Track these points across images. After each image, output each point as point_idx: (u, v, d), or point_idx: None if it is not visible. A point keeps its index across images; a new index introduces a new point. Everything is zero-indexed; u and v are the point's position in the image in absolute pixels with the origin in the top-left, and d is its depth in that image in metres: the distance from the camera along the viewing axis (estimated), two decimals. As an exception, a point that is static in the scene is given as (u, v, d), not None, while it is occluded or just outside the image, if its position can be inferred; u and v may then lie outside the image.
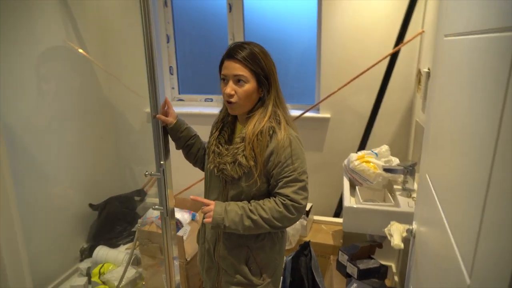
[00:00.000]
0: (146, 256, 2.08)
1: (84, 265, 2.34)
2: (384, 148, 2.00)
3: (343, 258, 1.86)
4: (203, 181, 1.43)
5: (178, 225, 2.04)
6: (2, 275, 1.16)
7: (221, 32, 2.53)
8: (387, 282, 1.83)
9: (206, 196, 1.35)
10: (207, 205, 1.21)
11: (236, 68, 1.16)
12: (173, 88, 2.74)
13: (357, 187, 1.91)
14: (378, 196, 1.91)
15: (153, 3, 1.23)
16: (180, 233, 1.97)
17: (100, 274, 2.17)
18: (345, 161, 2.04)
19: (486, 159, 0.52)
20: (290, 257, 1.79)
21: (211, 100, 2.66)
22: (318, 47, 2.30)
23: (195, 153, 1.44)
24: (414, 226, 1.10)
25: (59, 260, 2.33)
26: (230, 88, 1.17)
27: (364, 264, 1.77)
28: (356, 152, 2.04)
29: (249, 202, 1.21)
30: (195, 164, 1.50)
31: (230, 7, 2.45)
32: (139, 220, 2.06)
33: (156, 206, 1.48)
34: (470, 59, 0.67)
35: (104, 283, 2.14)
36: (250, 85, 1.17)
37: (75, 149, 2.40)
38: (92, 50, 2.48)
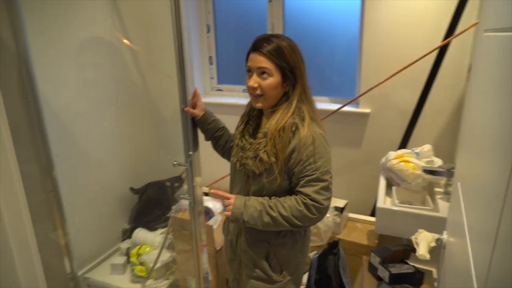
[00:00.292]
0: (179, 241, 2.15)
1: (125, 245, 2.46)
2: (427, 147, 1.89)
3: (375, 260, 1.79)
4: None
5: (210, 214, 2.08)
6: (13, 273, 1.23)
7: (261, 22, 2.50)
8: (424, 288, 1.74)
9: (231, 189, 1.35)
10: (227, 198, 1.21)
11: (260, 60, 1.14)
12: (212, 78, 2.77)
13: (393, 187, 1.82)
14: (417, 198, 1.80)
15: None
16: (210, 222, 2.01)
17: (138, 255, 2.28)
18: (383, 159, 1.95)
19: (505, 168, 0.46)
20: (317, 254, 1.75)
21: (250, 91, 2.65)
22: (360, 39, 2.19)
23: (222, 144, 1.45)
24: (445, 236, 1.02)
25: (103, 239, 2.48)
26: (254, 80, 1.16)
27: (396, 269, 1.69)
28: (396, 151, 1.94)
29: (270, 198, 1.19)
30: (223, 156, 1.51)
31: (271, -3, 2.40)
32: (173, 207, 2.12)
33: (186, 195, 1.52)
34: (504, 58, 0.59)
35: (141, 263, 2.25)
36: (274, 79, 1.14)
37: (117, 135, 2.51)
38: (135, 40, 2.56)
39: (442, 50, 1.96)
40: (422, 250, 0.97)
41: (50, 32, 1.99)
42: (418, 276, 1.70)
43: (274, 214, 1.14)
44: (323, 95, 2.48)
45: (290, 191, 1.21)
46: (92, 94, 2.31)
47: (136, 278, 2.20)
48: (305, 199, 1.13)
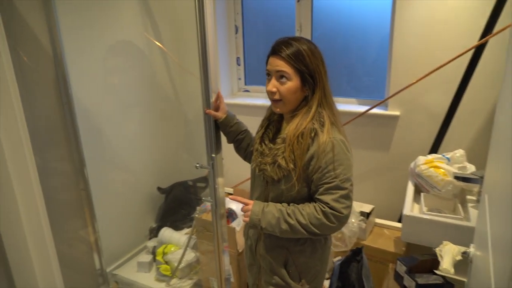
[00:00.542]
0: (203, 242, 2.17)
1: (152, 243, 2.52)
2: (459, 153, 1.79)
3: (401, 268, 1.72)
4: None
5: (233, 215, 2.09)
6: (31, 273, 1.27)
7: (289, 23, 2.48)
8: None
9: (251, 194, 1.35)
10: (246, 204, 1.20)
11: (278, 64, 1.12)
12: (239, 78, 2.77)
13: (422, 194, 1.75)
14: (447, 206, 1.72)
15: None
16: (234, 224, 2.02)
17: (163, 254, 2.33)
18: (412, 164, 1.88)
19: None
20: (340, 261, 1.71)
21: (277, 92, 2.64)
22: (390, 38, 2.12)
23: (244, 148, 1.45)
24: (472, 249, 0.96)
25: (131, 237, 2.55)
26: (272, 85, 1.14)
27: (423, 279, 1.62)
28: (426, 155, 1.86)
29: (288, 205, 1.17)
30: (245, 159, 1.50)
31: (299, -3, 2.38)
32: (198, 208, 2.15)
33: (208, 198, 1.53)
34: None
35: (166, 262, 2.29)
36: (293, 83, 1.12)
37: (145, 136, 2.57)
38: (165, 41, 2.61)
39: (479, 50, 1.86)
40: (446, 264, 0.91)
41: (83, 36, 2.06)
42: (447, 288, 1.63)
43: (292, 221, 1.12)
44: (351, 96, 2.42)
45: (310, 198, 1.18)
46: (121, 95, 2.37)
47: (161, 277, 2.25)
48: (323, 207, 1.10)
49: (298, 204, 1.17)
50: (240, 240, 1.99)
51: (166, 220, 2.60)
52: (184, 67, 2.71)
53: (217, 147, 1.45)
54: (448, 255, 0.94)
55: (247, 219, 1.18)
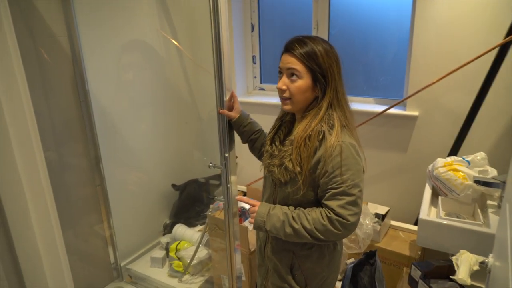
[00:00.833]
0: (215, 240, 2.18)
1: (165, 239, 2.55)
2: (480, 156, 1.73)
3: (416, 273, 1.68)
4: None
5: (246, 214, 2.08)
6: (40, 273, 1.29)
7: (305, 21, 2.44)
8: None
9: (262, 195, 1.33)
10: (253, 205, 1.19)
11: (290, 61, 1.10)
12: (255, 77, 2.76)
13: (440, 197, 1.70)
14: (465, 211, 1.67)
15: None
16: (246, 223, 2.01)
17: (176, 250, 2.35)
18: (430, 167, 1.83)
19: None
20: (353, 264, 1.69)
21: (292, 90, 2.62)
22: (410, 36, 2.06)
23: (258, 148, 1.43)
24: (491, 259, 0.92)
25: (145, 232, 2.58)
26: (282, 82, 1.12)
27: (438, 285, 1.58)
28: (445, 158, 1.81)
29: (295, 208, 1.15)
30: (259, 159, 1.48)
31: (316, -5, 2.34)
32: (211, 206, 2.15)
33: (220, 197, 1.53)
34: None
35: (179, 259, 2.31)
36: (303, 82, 1.09)
37: (160, 133, 2.58)
38: (180, 40, 2.61)
39: (503, 49, 1.78)
40: (462, 274, 0.88)
41: (100, 34, 2.08)
42: (464, 295, 1.58)
43: (297, 226, 1.09)
44: (369, 95, 2.38)
45: (317, 202, 1.15)
46: (136, 93, 2.39)
47: (174, 273, 2.27)
48: (329, 213, 1.06)
49: (304, 208, 1.14)
50: (252, 239, 1.98)
51: (179, 216, 2.62)
52: (199, 64, 2.71)
53: (230, 146, 1.45)
54: (464, 264, 0.90)
55: (252, 220, 1.17)
